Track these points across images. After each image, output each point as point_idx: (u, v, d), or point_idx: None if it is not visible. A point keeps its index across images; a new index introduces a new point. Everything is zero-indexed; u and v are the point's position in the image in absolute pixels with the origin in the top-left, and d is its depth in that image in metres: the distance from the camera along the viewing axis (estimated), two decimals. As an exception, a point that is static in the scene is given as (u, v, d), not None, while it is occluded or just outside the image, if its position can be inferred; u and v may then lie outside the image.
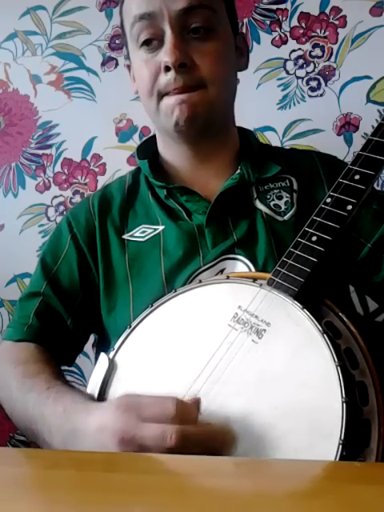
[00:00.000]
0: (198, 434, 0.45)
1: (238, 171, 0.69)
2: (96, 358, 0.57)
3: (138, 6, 0.63)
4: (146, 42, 0.64)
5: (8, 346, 0.68)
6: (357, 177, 0.54)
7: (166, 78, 0.63)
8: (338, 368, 0.44)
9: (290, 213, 0.67)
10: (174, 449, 0.43)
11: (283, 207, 0.68)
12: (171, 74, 0.62)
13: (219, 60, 0.64)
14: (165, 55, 0.62)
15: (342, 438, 0.42)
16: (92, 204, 0.74)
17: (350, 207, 0.53)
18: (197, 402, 0.48)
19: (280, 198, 0.68)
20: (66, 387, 0.57)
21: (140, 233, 0.69)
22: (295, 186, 0.70)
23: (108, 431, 0.46)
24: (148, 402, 0.47)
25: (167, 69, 0.62)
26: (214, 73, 0.63)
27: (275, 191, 0.69)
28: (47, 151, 1.23)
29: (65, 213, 1.19)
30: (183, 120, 0.63)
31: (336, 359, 0.45)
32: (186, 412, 0.46)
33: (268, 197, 0.69)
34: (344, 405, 0.43)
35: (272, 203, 0.68)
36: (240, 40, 0.71)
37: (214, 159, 0.71)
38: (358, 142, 1.08)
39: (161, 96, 0.64)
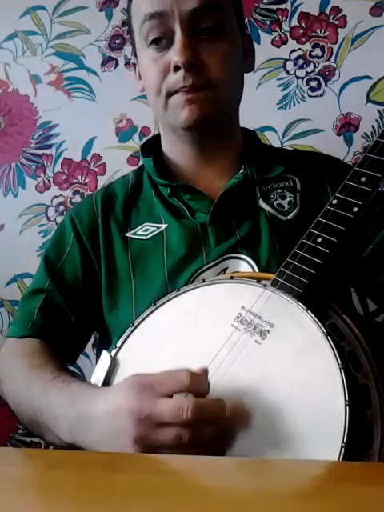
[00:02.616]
0: (213, 406, 0.45)
1: (242, 170, 0.69)
2: (97, 358, 0.57)
3: (149, 5, 0.63)
4: (155, 41, 0.64)
5: (12, 342, 0.68)
6: (363, 179, 0.54)
7: (175, 77, 0.63)
8: (342, 370, 0.44)
9: (294, 213, 0.67)
10: (190, 422, 0.42)
11: (287, 207, 0.68)
12: (180, 74, 0.62)
13: (228, 61, 0.65)
14: (175, 55, 0.62)
15: (345, 440, 0.41)
16: (95, 201, 0.74)
17: (355, 209, 0.53)
18: (206, 372, 0.48)
19: (283, 197, 0.68)
20: (71, 377, 0.57)
21: (143, 231, 0.69)
22: (299, 186, 0.70)
23: (122, 412, 0.45)
24: (159, 377, 0.47)
25: (177, 68, 0.62)
26: (222, 74, 0.64)
27: (279, 191, 0.69)
28: (47, 151, 1.23)
29: (65, 213, 1.19)
30: (192, 120, 0.64)
31: (339, 362, 0.45)
32: (198, 381, 0.46)
33: (271, 196, 0.69)
34: (347, 407, 0.43)
35: (275, 203, 0.68)
36: (247, 41, 0.72)
37: (218, 158, 0.71)
38: (358, 142, 1.08)
39: (169, 94, 0.64)
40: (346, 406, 0.43)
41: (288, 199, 0.68)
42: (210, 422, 0.44)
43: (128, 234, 0.70)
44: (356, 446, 0.42)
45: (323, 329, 0.47)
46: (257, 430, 0.45)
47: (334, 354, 0.45)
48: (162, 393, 0.45)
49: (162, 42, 0.64)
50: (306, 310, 0.49)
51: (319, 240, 0.53)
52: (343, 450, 0.41)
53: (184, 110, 0.63)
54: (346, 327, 0.50)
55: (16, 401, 0.60)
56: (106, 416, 0.47)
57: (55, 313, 0.69)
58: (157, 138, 0.77)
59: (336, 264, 0.54)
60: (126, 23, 0.71)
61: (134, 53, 0.71)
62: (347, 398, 0.43)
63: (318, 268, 0.52)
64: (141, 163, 0.77)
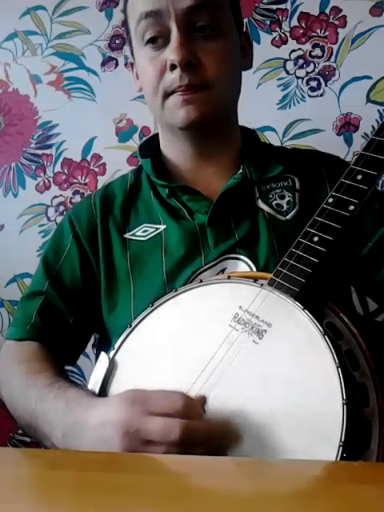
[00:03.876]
0: (203, 429, 0.45)
1: (241, 171, 0.69)
2: (96, 358, 0.57)
3: (144, 4, 0.63)
4: (152, 40, 0.64)
5: (11, 345, 0.68)
6: (359, 177, 0.54)
7: (172, 77, 0.62)
8: (339, 369, 0.44)
9: (292, 212, 0.67)
10: (178, 443, 0.42)
11: (285, 207, 0.68)
12: (177, 72, 0.62)
13: (224, 59, 0.64)
14: (171, 53, 0.61)
15: (343, 439, 0.41)
16: (94, 202, 0.74)
17: (351, 207, 0.53)
18: (202, 400, 0.48)
19: (282, 197, 0.68)
20: (68, 383, 0.57)
21: (142, 232, 0.69)
22: (297, 186, 0.69)
23: (112, 424, 0.45)
24: (153, 395, 0.46)
25: (173, 67, 0.62)
26: (219, 73, 0.63)
27: (277, 191, 0.69)
28: (47, 151, 1.23)
29: (65, 213, 1.19)
30: (189, 121, 0.63)
31: (337, 360, 0.45)
32: (191, 407, 0.45)
33: (270, 196, 0.69)
34: (344, 407, 0.43)
35: (274, 203, 0.68)
36: (245, 39, 0.71)
37: (217, 158, 0.71)
38: (358, 141, 1.08)
39: (166, 95, 0.64)
40: (343, 404, 0.43)
41: (287, 199, 0.68)
42: (199, 443, 0.44)
43: (127, 235, 0.70)
44: (354, 445, 0.42)
45: (320, 328, 0.47)
46: (254, 430, 0.45)
47: (331, 353, 0.45)
48: (153, 411, 0.45)
49: (158, 40, 0.63)
50: (303, 309, 0.49)
51: (315, 239, 0.53)
52: (341, 449, 0.41)
53: (181, 111, 0.63)
54: (344, 326, 0.50)
55: (14, 404, 0.60)
56: (97, 426, 0.47)
57: (54, 315, 0.69)
58: (155, 138, 0.77)
59: (333, 262, 0.54)
60: (124, 22, 0.71)
61: (131, 52, 0.71)
62: (345, 398, 0.43)
63: (314, 267, 0.52)
64: (140, 163, 0.77)
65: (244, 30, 0.72)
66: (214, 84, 0.63)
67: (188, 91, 0.62)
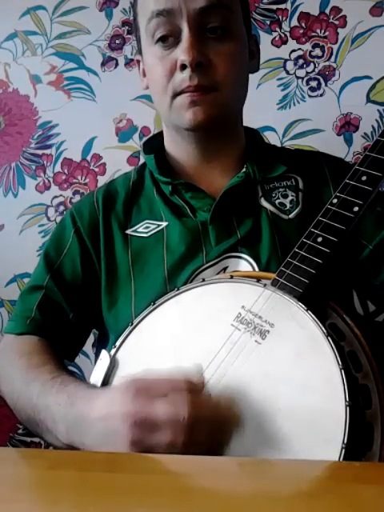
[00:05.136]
0: (209, 404, 0.45)
1: (244, 170, 0.69)
2: (96, 358, 0.57)
3: (157, 2, 0.63)
4: (162, 39, 0.63)
5: (10, 339, 0.68)
6: (364, 178, 0.54)
7: (181, 77, 0.62)
8: (342, 371, 0.44)
9: (295, 211, 0.67)
10: (186, 418, 0.43)
11: (288, 205, 0.68)
12: (187, 73, 0.62)
13: (234, 62, 0.64)
14: (182, 54, 0.61)
15: (345, 441, 0.41)
16: (96, 198, 0.74)
17: (356, 208, 0.53)
18: (200, 368, 0.49)
19: (285, 196, 0.68)
20: (70, 377, 0.56)
21: (143, 228, 0.69)
22: (301, 185, 0.70)
23: (118, 416, 0.45)
24: (156, 381, 0.47)
25: (183, 67, 0.62)
26: (228, 75, 0.63)
27: (281, 190, 0.69)
28: (47, 151, 1.23)
29: (65, 213, 1.19)
30: (196, 122, 0.63)
31: (340, 362, 0.44)
32: (195, 386, 0.46)
33: (273, 195, 0.69)
34: (347, 408, 0.42)
35: (277, 201, 0.68)
36: (253, 42, 0.72)
37: (221, 157, 0.71)
38: (358, 142, 1.08)
39: (175, 95, 0.64)
40: (346, 406, 0.43)
41: (290, 198, 0.68)
42: (206, 420, 0.44)
43: (128, 232, 0.70)
44: (356, 447, 0.42)
45: (323, 329, 0.47)
46: (256, 431, 0.45)
47: (334, 354, 0.45)
48: (157, 395, 0.45)
49: (168, 39, 0.63)
50: (307, 310, 0.49)
51: (319, 239, 0.53)
52: (343, 451, 0.41)
53: (188, 112, 0.63)
54: (346, 327, 0.50)
55: (14, 399, 0.60)
56: (103, 419, 0.47)
57: (54, 310, 0.69)
58: (159, 135, 0.77)
59: (336, 263, 0.54)
60: (131, 21, 0.71)
61: (139, 49, 0.71)
62: (347, 399, 0.43)
63: (318, 268, 0.52)
64: (141, 162, 0.77)
65: (252, 32, 0.72)
66: (222, 86, 0.63)
67: (196, 92, 0.62)
